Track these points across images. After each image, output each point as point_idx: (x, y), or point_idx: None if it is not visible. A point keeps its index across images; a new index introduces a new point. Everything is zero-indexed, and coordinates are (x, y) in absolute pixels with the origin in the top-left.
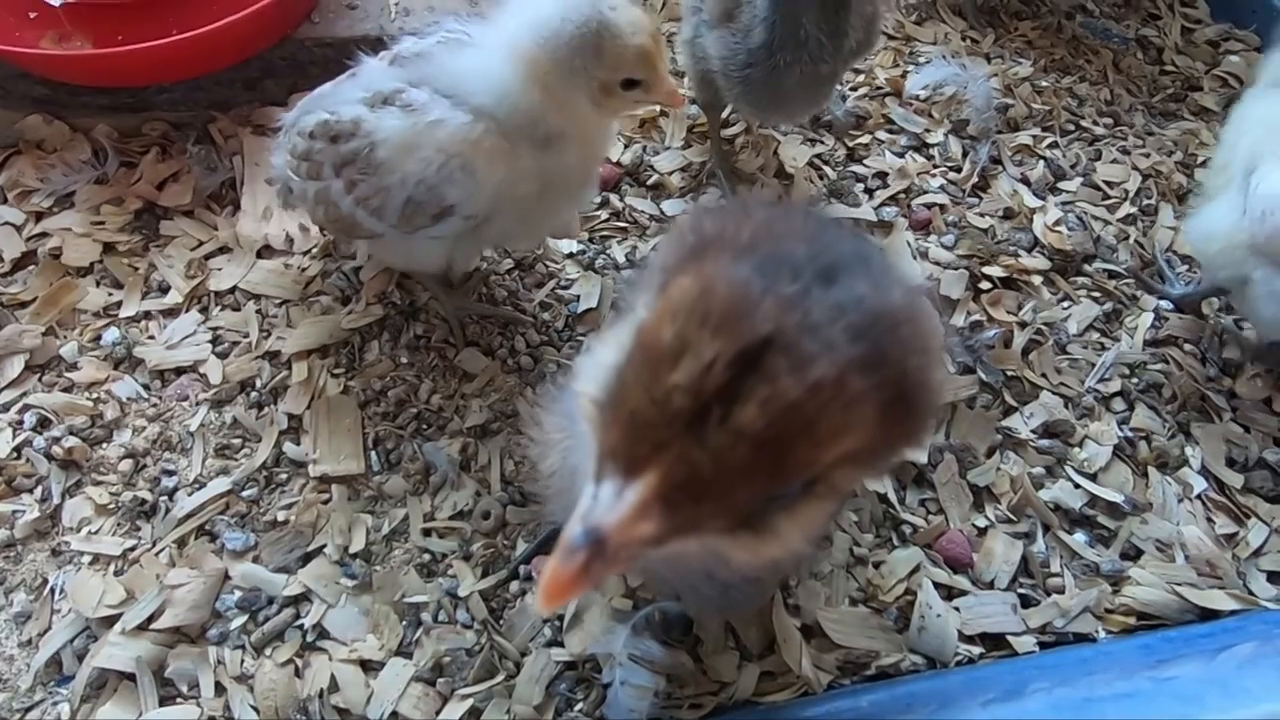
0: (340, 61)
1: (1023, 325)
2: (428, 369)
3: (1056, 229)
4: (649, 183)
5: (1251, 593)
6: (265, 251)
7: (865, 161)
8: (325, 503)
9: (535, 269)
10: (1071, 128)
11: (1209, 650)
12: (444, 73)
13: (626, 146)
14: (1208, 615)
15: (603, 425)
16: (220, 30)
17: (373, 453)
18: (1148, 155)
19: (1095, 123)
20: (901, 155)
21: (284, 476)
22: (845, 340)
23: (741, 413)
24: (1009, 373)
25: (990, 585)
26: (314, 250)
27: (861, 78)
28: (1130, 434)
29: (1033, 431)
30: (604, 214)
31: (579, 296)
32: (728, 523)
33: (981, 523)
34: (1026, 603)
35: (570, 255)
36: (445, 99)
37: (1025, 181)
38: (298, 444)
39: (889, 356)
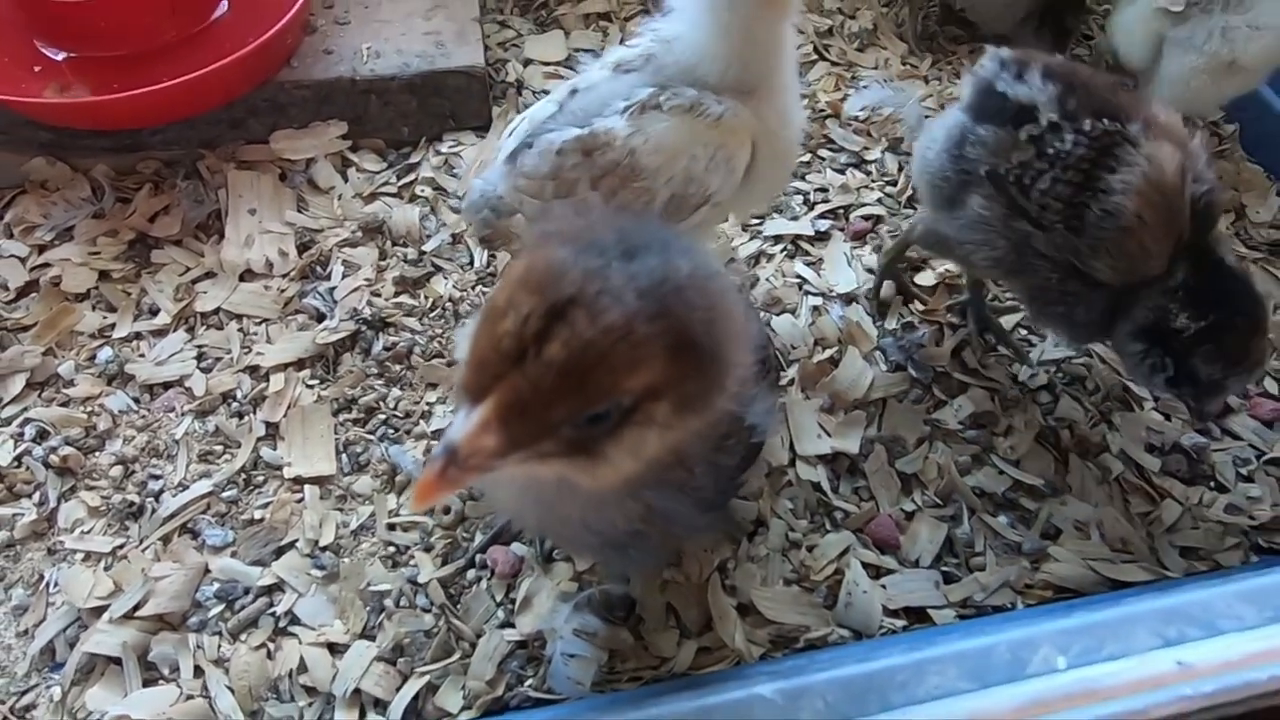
0: (317, 102)
1: (954, 327)
2: (395, 378)
3: None
4: None
5: (1164, 566)
6: (247, 275)
7: (807, 178)
8: (298, 502)
9: (498, 283)
10: None
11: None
12: (676, 67)
13: None
14: (1118, 586)
15: (460, 372)
16: (206, 77)
17: (343, 456)
18: None
19: None
20: (841, 172)
21: (261, 479)
22: (634, 297)
23: (549, 349)
24: (939, 369)
25: (916, 564)
26: (292, 273)
27: (805, 101)
28: (1054, 424)
29: (960, 422)
30: None
31: None
32: (558, 445)
33: (910, 507)
34: (949, 579)
35: None
36: (703, 91)
37: None
38: (274, 449)
39: (671, 310)
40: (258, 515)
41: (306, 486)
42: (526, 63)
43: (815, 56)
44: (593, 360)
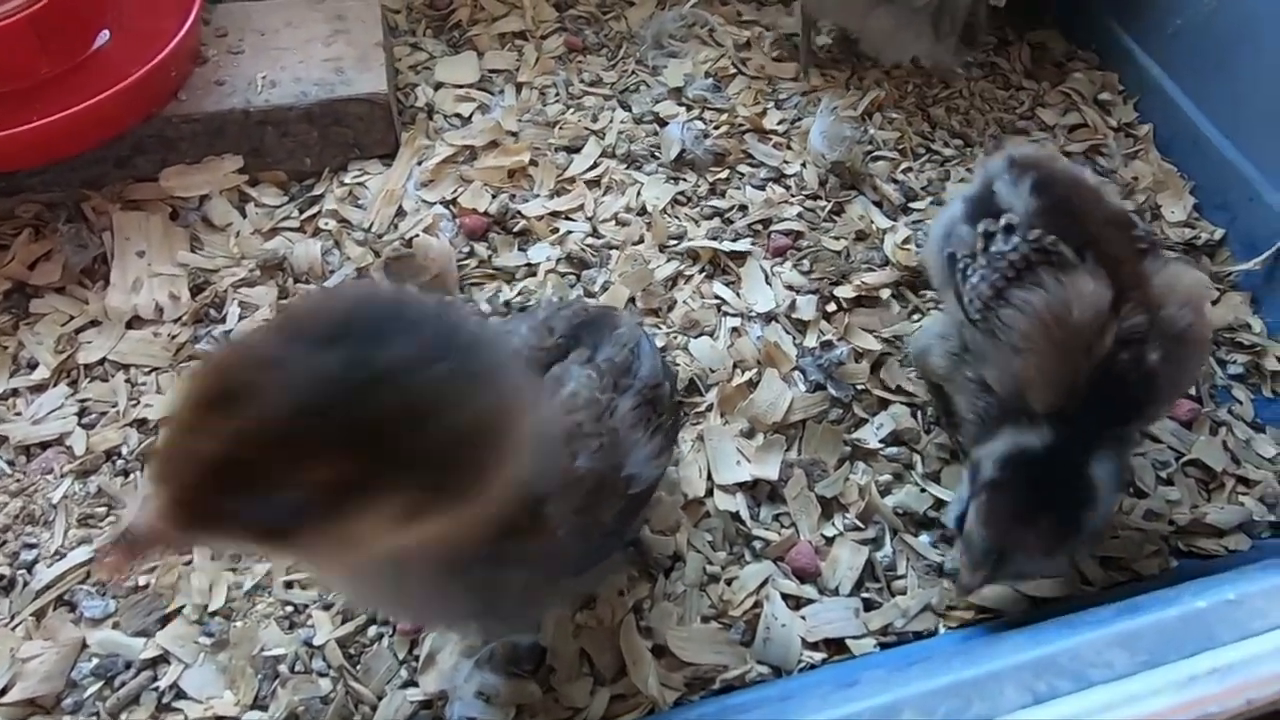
0: (209, 136)
1: (877, 342)
2: None
3: (905, 247)
4: (516, 230)
5: (1085, 579)
6: (135, 322)
7: (727, 195)
8: (187, 564)
9: None
10: (923, 151)
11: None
12: None
13: (494, 196)
14: (1039, 604)
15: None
16: (81, 114)
17: None
18: None
19: (946, 144)
20: (761, 187)
21: None
22: (307, 389)
23: (200, 441)
24: (859, 387)
25: (836, 592)
26: (184, 317)
27: (724, 116)
28: None
29: (881, 441)
30: (472, 263)
31: None
32: (242, 532)
33: (830, 532)
34: (870, 606)
35: None
36: None
37: (878, 205)
38: None
39: (359, 406)
40: (142, 581)
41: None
42: (438, 86)
43: (734, 70)
44: (247, 453)
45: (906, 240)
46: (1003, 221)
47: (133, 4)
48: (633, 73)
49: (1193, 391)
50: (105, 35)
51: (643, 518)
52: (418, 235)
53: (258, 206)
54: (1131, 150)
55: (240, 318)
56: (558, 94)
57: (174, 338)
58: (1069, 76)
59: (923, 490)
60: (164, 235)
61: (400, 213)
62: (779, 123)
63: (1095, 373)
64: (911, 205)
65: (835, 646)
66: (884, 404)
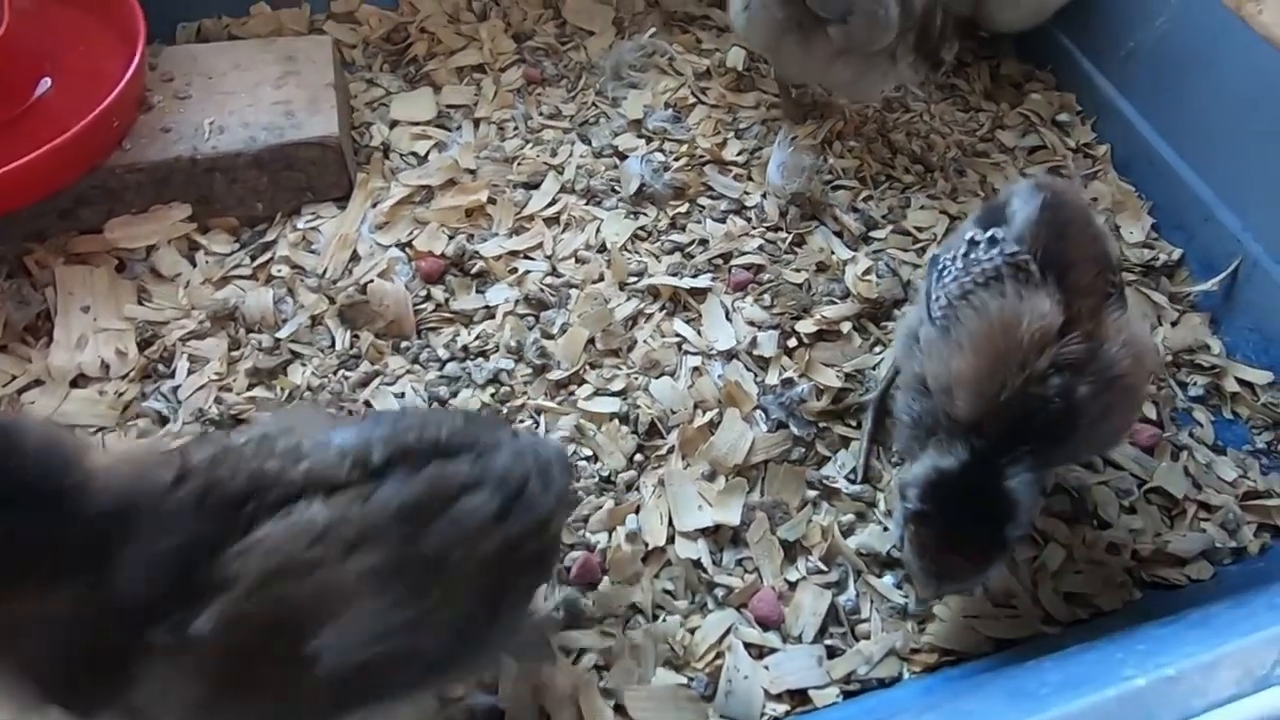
0: (155, 185)
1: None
2: None
3: (866, 278)
4: (474, 271)
5: (1050, 616)
6: (80, 380)
7: (687, 229)
8: None
9: (360, 366)
10: (884, 179)
11: None
12: None
13: (451, 237)
14: (1002, 646)
15: None
16: (17, 171)
17: None
18: (956, 200)
19: (907, 171)
20: (722, 220)
21: None
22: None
23: None
24: (821, 425)
25: (799, 639)
26: (131, 374)
27: (684, 148)
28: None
29: (845, 479)
30: (429, 307)
31: (404, 394)
32: None
33: (794, 576)
34: (833, 653)
35: (397, 350)
36: None
37: (838, 235)
38: None
39: None
40: None
41: None
42: (393, 124)
43: (693, 100)
44: None
45: (867, 271)
46: (989, 234)
47: (74, 50)
48: (592, 104)
49: (1154, 415)
50: (47, 83)
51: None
52: (372, 280)
53: (208, 255)
54: (1090, 171)
55: (189, 372)
56: (516, 128)
57: (121, 395)
58: (1027, 98)
59: (886, 529)
60: (110, 288)
61: (355, 257)
62: (739, 153)
63: (1023, 391)
64: (872, 235)
65: (799, 697)
66: (845, 442)
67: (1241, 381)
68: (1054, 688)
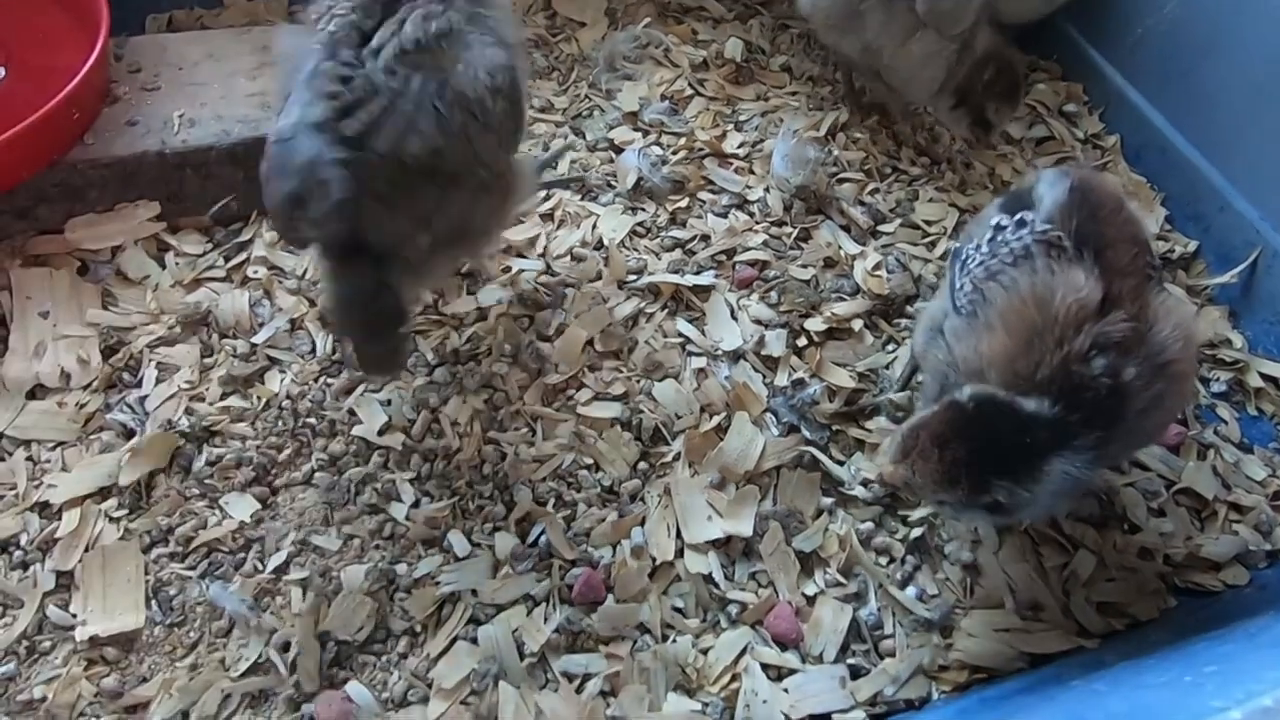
0: (120, 182)
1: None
2: (221, 498)
3: (876, 273)
4: (464, 271)
5: (1084, 629)
6: (38, 391)
7: (688, 224)
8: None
9: (343, 373)
10: (890, 171)
11: None
12: None
13: None
14: (1037, 661)
15: None
16: None
17: (154, 601)
18: (964, 192)
19: (913, 163)
20: (724, 215)
21: (47, 645)
22: None
23: None
24: (834, 428)
25: (819, 659)
26: (94, 384)
27: (682, 140)
28: None
29: (862, 485)
30: (417, 308)
31: (390, 401)
32: None
33: (811, 590)
34: (856, 673)
35: None
36: None
37: (845, 229)
38: (66, 606)
39: None
40: (39, 694)
41: (105, 649)
42: None
43: (691, 92)
44: None
45: (877, 266)
46: (1017, 217)
47: (32, 38)
48: (585, 97)
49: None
50: (1, 72)
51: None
52: None
53: (178, 256)
54: (1100, 162)
55: (158, 381)
56: None
57: (82, 407)
58: (1032, 88)
59: (905, 538)
60: (71, 292)
61: None
62: (739, 146)
63: (1063, 369)
64: (880, 229)
65: None
66: (860, 444)
67: (1265, 377)
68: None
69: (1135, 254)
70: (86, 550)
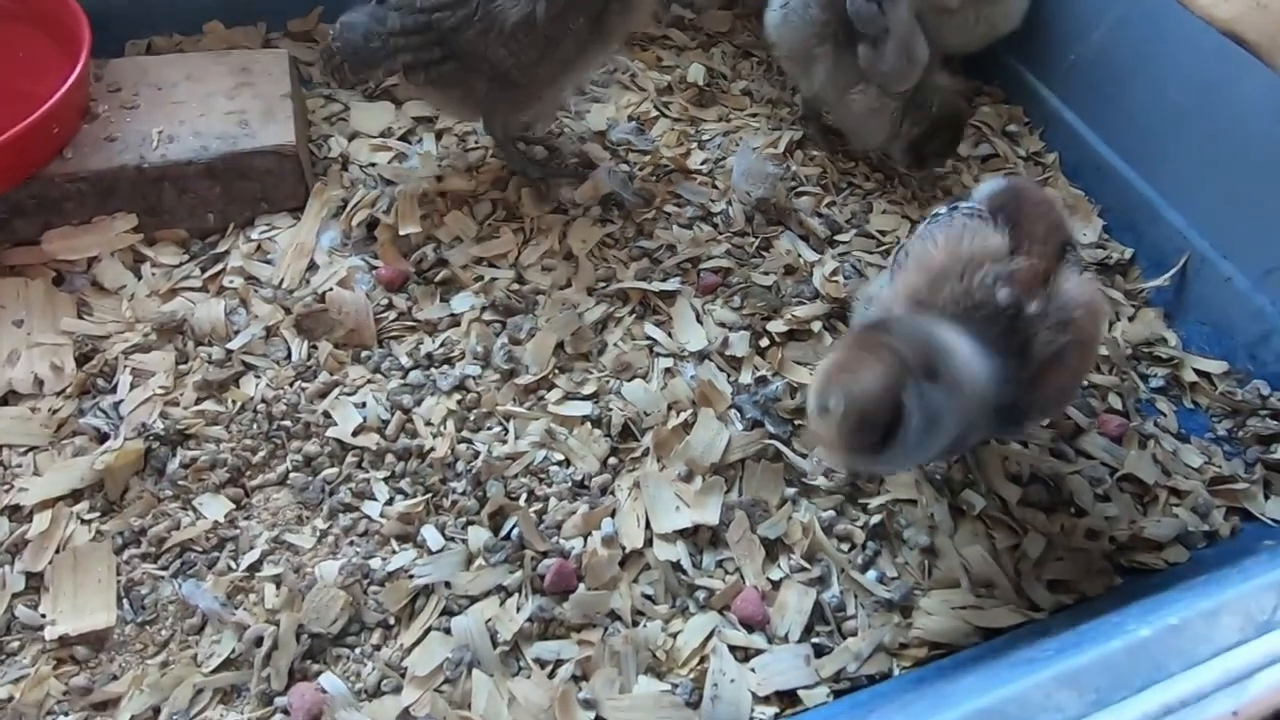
0: (99, 195)
1: (811, 375)
2: (194, 499)
3: (834, 279)
4: (438, 279)
5: (1033, 604)
6: (10, 398)
7: (654, 235)
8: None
9: (318, 377)
10: (845, 186)
11: None
12: None
13: (414, 246)
14: (991, 634)
15: None
16: None
17: (126, 601)
18: (917, 204)
19: (867, 179)
20: (689, 226)
21: (16, 645)
22: None
23: None
24: (797, 423)
25: (785, 639)
26: (68, 390)
27: (648, 158)
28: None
29: (823, 475)
30: (391, 315)
31: (364, 404)
32: None
33: (776, 575)
34: (820, 651)
35: (357, 360)
36: None
37: (804, 239)
38: (35, 606)
39: None
40: (4, 694)
41: (75, 647)
42: (353, 136)
43: (656, 113)
44: None
45: (834, 272)
46: (952, 205)
47: (13, 60)
48: (556, 118)
49: (1120, 406)
50: None
51: None
52: (331, 289)
53: (154, 267)
54: (1042, 178)
55: (132, 386)
56: (478, 140)
57: (55, 413)
58: (977, 111)
59: (865, 524)
60: (46, 302)
61: (312, 266)
62: (702, 162)
63: (965, 294)
64: (837, 238)
65: (788, 699)
66: None
67: (1199, 372)
68: (1055, 650)
69: (1051, 230)
70: (57, 552)
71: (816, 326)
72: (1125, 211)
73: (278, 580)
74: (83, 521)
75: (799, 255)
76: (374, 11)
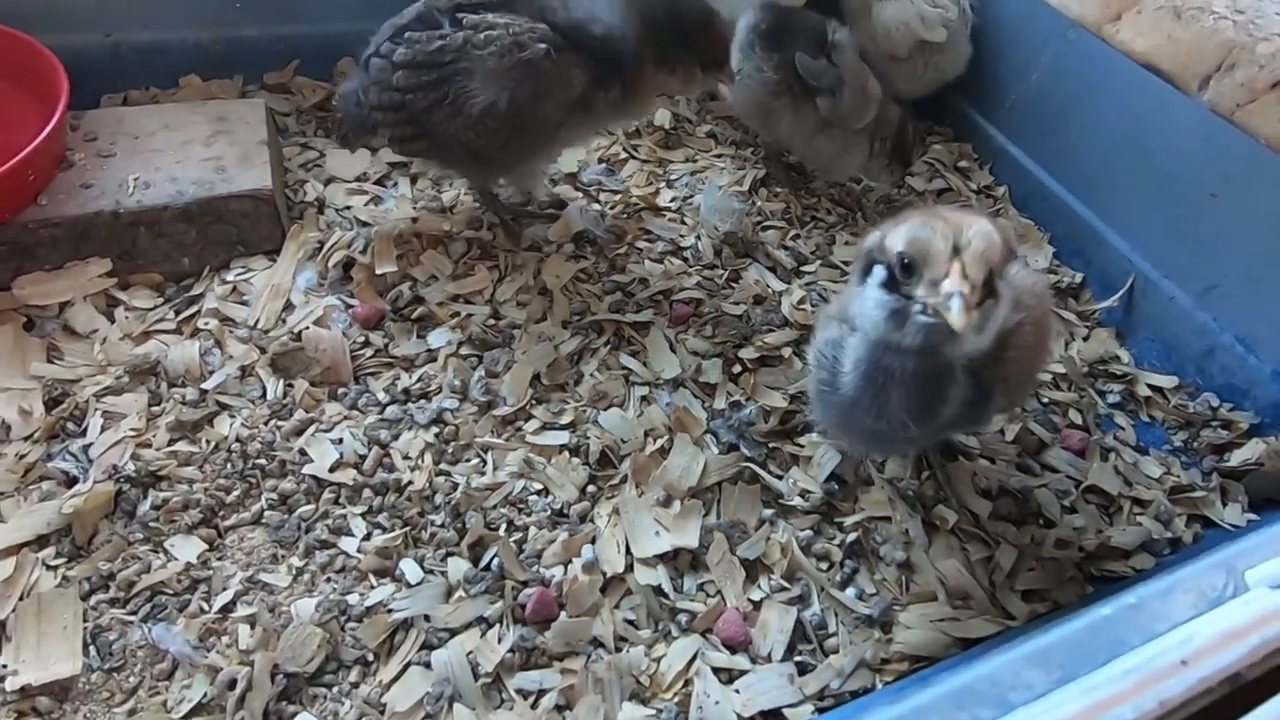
0: (72, 240)
1: (783, 399)
2: (164, 541)
3: (801, 307)
4: (414, 316)
5: (1008, 614)
6: None
7: (627, 270)
8: None
9: (294, 415)
10: (809, 219)
11: None
12: None
13: (390, 285)
14: (969, 644)
15: None
16: None
17: (93, 648)
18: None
19: (829, 212)
20: (660, 261)
21: None
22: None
23: None
24: (771, 445)
25: (768, 659)
26: (36, 434)
27: (619, 197)
28: (889, 480)
29: (799, 496)
30: (368, 352)
31: (341, 439)
32: None
33: (757, 595)
34: (804, 670)
35: (334, 397)
36: None
37: (771, 270)
38: None
39: None
40: None
41: (38, 698)
42: (328, 181)
43: (625, 155)
44: None
45: (801, 300)
46: None
47: None
48: None
49: (1080, 421)
50: None
51: None
52: (308, 328)
53: (128, 310)
54: (993, 209)
55: (103, 429)
56: (451, 182)
57: (22, 457)
58: (930, 149)
59: (843, 542)
60: (15, 346)
61: (289, 306)
62: (671, 200)
63: None
64: (803, 269)
65: (773, 718)
66: (795, 459)
67: (1152, 387)
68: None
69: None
70: (21, 599)
71: (786, 352)
72: (1073, 239)
73: (252, 620)
74: (48, 567)
75: (767, 285)
76: (361, 82)
